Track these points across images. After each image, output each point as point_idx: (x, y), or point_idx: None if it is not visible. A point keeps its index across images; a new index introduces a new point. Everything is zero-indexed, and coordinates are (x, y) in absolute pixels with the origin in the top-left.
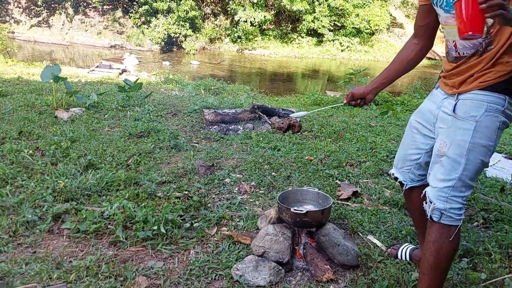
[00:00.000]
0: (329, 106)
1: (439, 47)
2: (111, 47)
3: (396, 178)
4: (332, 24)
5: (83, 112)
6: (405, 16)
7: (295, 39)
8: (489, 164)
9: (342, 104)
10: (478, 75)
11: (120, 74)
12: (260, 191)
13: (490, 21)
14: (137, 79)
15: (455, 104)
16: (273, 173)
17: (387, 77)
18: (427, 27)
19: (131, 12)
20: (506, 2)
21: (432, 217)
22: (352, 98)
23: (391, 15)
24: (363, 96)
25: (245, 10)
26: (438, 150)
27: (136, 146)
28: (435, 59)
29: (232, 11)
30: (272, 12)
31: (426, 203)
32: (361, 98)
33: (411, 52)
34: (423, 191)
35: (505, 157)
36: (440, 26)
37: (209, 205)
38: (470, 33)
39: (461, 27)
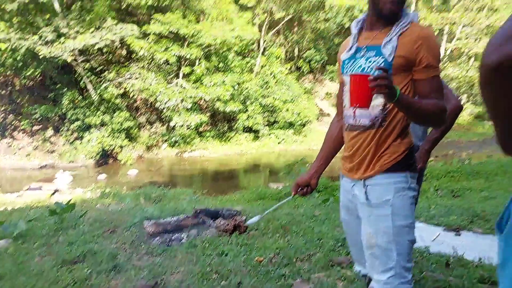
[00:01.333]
0: (280, 203)
1: None
2: (41, 167)
3: (364, 275)
4: (266, 120)
5: (10, 243)
6: (331, 105)
7: (232, 136)
8: (431, 239)
9: (292, 197)
10: (376, 160)
11: (52, 194)
12: None
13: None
14: (70, 200)
15: (365, 191)
16: (222, 282)
17: (323, 158)
18: None
19: (62, 130)
20: (391, 82)
21: None
22: (298, 187)
23: (318, 106)
24: (307, 183)
25: (180, 116)
26: (367, 241)
27: (71, 274)
28: None
29: (167, 117)
30: (207, 114)
31: None
32: (306, 185)
33: (336, 130)
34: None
35: (444, 230)
36: (343, 94)
37: None
38: (358, 105)
39: (352, 98)
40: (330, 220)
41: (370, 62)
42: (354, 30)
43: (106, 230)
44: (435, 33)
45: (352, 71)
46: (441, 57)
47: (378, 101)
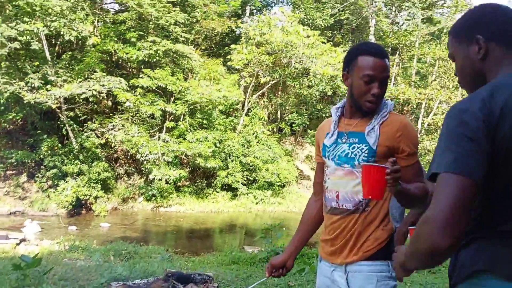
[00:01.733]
0: (254, 285)
1: None
2: (10, 214)
3: None
4: (245, 179)
5: None
6: (311, 169)
7: (210, 194)
8: None
9: (266, 278)
10: (360, 245)
11: (17, 244)
12: None
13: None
14: (37, 254)
15: (347, 277)
16: None
17: (300, 240)
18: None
19: (37, 177)
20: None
21: None
22: (273, 269)
23: (298, 168)
24: (283, 264)
25: (160, 169)
26: None
27: None
28: None
29: (146, 170)
30: (187, 169)
31: None
32: (282, 267)
33: (314, 210)
34: None
35: None
36: (325, 177)
37: None
38: (371, 197)
39: (365, 190)
40: None
41: (354, 148)
42: (334, 117)
43: None
44: (414, 107)
45: (335, 155)
46: (418, 131)
47: (360, 187)
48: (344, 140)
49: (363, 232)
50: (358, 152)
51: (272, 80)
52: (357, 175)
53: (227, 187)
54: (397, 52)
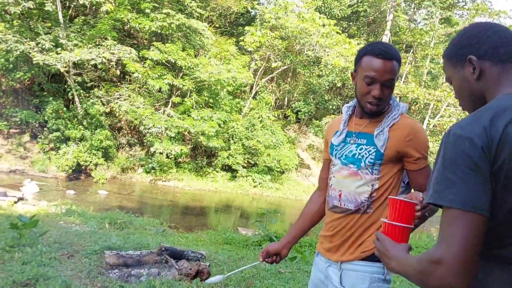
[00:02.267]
0: (246, 267)
1: None
2: (10, 172)
3: None
4: (246, 162)
5: None
6: (312, 158)
7: (210, 173)
8: None
9: (258, 262)
10: (358, 245)
11: (15, 202)
12: None
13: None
14: (34, 216)
15: (340, 275)
16: None
17: (298, 230)
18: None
19: (40, 138)
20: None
21: None
22: (267, 255)
23: (299, 156)
24: (277, 252)
25: (162, 143)
26: None
27: None
28: None
29: (148, 143)
30: (189, 146)
31: None
32: (276, 254)
33: (316, 205)
34: None
35: None
36: (330, 174)
37: None
38: (397, 223)
39: (392, 217)
40: (295, 280)
41: (361, 149)
42: (345, 115)
43: (64, 253)
44: (421, 106)
45: (342, 155)
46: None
47: (364, 189)
48: (352, 141)
49: (363, 233)
50: (366, 153)
51: (283, 66)
52: (362, 176)
53: (227, 168)
54: (411, 50)
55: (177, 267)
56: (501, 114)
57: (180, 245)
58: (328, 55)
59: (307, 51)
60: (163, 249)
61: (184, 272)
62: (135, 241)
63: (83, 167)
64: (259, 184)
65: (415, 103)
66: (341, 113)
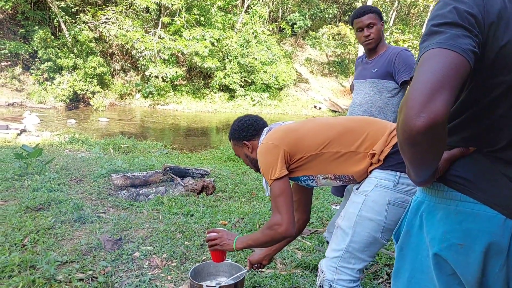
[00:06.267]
0: (238, 274)
1: (341, 100)
2: (9, 105)
3: (328, 242)
4: (243, 80)
5: None
6: (310, 72)
7: (207, 94)
8: None
9: (246, 270)
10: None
11: (18, 134)
12: (173, 264)
13: None
14: (37, 145)
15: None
16: (186, 243)
17: (278, 244)
18: (299, 202)
19: (32, 69)
20: None
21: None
22: (251, 264)
23: (296, 71)
24: (259, 262)
25: (156, 66)
26: (337, 220)
27: (34, 221)
28: (338, 112)
29: (142, 67)
30: (184, 68)
31: (318, 273)
32: (258, 263)
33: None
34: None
35: None
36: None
37: (116, 285)
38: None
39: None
40: None
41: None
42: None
43: (73, 178)
44: (421, 10)
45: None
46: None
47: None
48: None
49: None
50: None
51: None
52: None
53: (225, 88)
54: None
55: (183, 184)
56: None
57: (185, 164)
58: None
59: None
60: (168, 168)
61: (190, 188)
62: (140, 163)
63: (81, 96)
64: (257, 102)
65: (414, 6)
66: (339, 23)
